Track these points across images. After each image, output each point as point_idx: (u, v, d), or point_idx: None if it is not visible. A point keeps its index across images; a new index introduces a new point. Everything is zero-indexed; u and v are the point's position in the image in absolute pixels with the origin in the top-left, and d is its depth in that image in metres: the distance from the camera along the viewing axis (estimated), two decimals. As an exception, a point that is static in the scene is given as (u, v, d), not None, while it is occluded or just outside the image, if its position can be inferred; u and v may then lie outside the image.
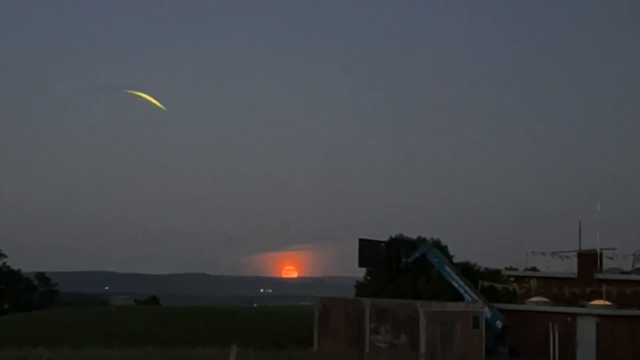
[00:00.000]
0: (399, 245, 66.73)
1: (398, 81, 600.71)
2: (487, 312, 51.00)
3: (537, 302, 53.17)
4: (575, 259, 53.95)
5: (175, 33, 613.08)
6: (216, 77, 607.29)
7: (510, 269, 61.88)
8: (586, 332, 49.94)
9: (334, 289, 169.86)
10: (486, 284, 60.26)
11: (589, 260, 53.20)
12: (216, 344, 42.48)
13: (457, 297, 55.27)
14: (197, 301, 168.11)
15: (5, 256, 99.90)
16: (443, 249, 65.91)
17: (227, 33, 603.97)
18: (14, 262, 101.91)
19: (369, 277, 73.92)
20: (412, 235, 70.40)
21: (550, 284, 54.62)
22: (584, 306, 51.22)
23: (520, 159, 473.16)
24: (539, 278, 55.66)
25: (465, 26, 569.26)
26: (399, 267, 64.41)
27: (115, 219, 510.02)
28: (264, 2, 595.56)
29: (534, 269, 57.83)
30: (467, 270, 66.14)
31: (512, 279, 59.53)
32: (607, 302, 50.57)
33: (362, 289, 73.56)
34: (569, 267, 54.62)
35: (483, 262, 74.32)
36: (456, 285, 55.52)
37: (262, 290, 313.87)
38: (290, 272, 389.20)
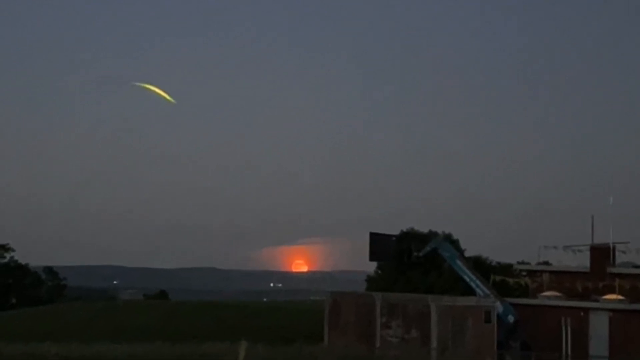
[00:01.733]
0: (410, 239, 66.31)
1: (408, 75, 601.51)
2: (499, 307, 50.60)
3: (549, 296, 52.81)
4: (587, 253, 53.58)
5: (183, 26, 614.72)
6: (225, 71, 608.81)
7: (523, 263, 61.50)
8: (599, 327, 49.57)
9: (344, 283, 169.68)
10: (498, 278, 59.85)
11: (601, 254, 52.80)
12: (225, 339, 42.25)
13: (469, 291, 54.85)
14: (206, 296, 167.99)
15: (13, 250, 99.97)
16: (454, 243, 65.61)
17: (236, 26, 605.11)
18: (21, 257, 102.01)
19: (379, 271, 73.66)
20: (424, 229, 70.27)
21: (562, 278, 54.26)
22: (596, 300, 50.84)
23: (531, 152, 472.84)
24: (551, 272, 55.27)
25: (475, 20, 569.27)
26: (410, 261, 63.94)
27: (124, 213, 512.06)
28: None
29: (546, 263, 57.38)
30: (479, 265, 65.77)
31: (524, 273, 59.25)
32: (619, 297, 50.28)
33: (372, 283, 73.28)
34: (581, 261, 54.31)
35: (495, 256, 74.11)
36: (468, 280, 55.07)
37: (271, 285, 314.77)
38: (300, 266, 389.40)
